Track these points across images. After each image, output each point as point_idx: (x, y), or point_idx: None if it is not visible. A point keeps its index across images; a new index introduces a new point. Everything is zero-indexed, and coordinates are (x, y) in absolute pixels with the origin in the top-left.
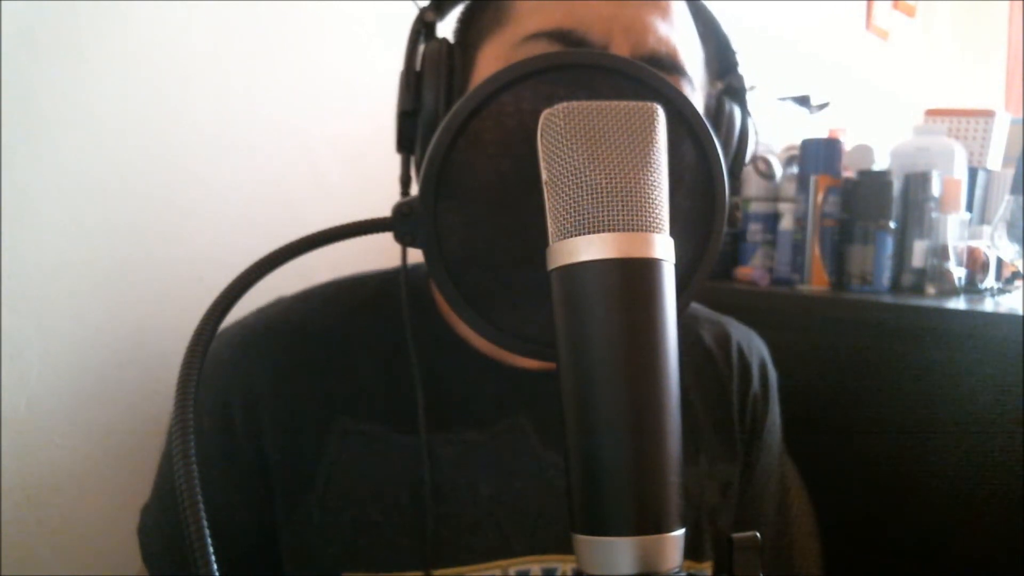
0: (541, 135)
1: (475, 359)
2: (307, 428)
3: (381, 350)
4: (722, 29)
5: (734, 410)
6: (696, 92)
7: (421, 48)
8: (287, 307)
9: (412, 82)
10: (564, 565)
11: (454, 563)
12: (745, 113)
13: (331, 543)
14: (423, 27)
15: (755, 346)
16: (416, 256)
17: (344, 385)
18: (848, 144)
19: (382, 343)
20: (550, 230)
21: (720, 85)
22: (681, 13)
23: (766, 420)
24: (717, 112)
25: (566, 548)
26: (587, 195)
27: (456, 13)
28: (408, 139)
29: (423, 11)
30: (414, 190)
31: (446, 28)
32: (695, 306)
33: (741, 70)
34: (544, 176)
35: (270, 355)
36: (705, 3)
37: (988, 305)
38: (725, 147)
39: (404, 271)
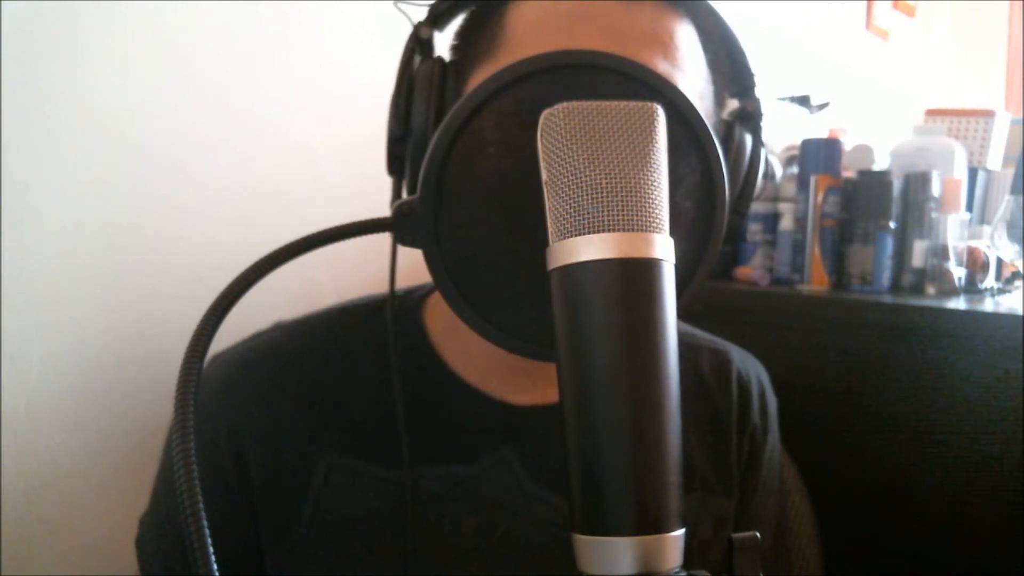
0: (541, 135)
1: (463, 391)
2: (293, 462)
3: (368, 382)
4: (739, 50)
5: (732, 442)
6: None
7: (416, 64)
8: (277, 337)
9: (402, 106)
10: None
11: None
12: (757, 141)
13: (317, 574)
14: (418, 44)
15: (755, 374)
16: (404, 280)
17: (330, 419)
18: (848, 144)
19: (369, 375)
20: (550, 230)
21: (734, 107)
22: (687, 44)
23: (764, 451)
24: (726, 139)
25: None
26: (587, 195)
27: (456, 25)
28: (398, 162)
29: (418, 27)
30: None
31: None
32: (695, 331)
33: (758, 94)
34: (544, 176)
35: (256, 386)
36: (722, 22)
37: (988, 305)
38: (731, 177)
39: (391, 298)
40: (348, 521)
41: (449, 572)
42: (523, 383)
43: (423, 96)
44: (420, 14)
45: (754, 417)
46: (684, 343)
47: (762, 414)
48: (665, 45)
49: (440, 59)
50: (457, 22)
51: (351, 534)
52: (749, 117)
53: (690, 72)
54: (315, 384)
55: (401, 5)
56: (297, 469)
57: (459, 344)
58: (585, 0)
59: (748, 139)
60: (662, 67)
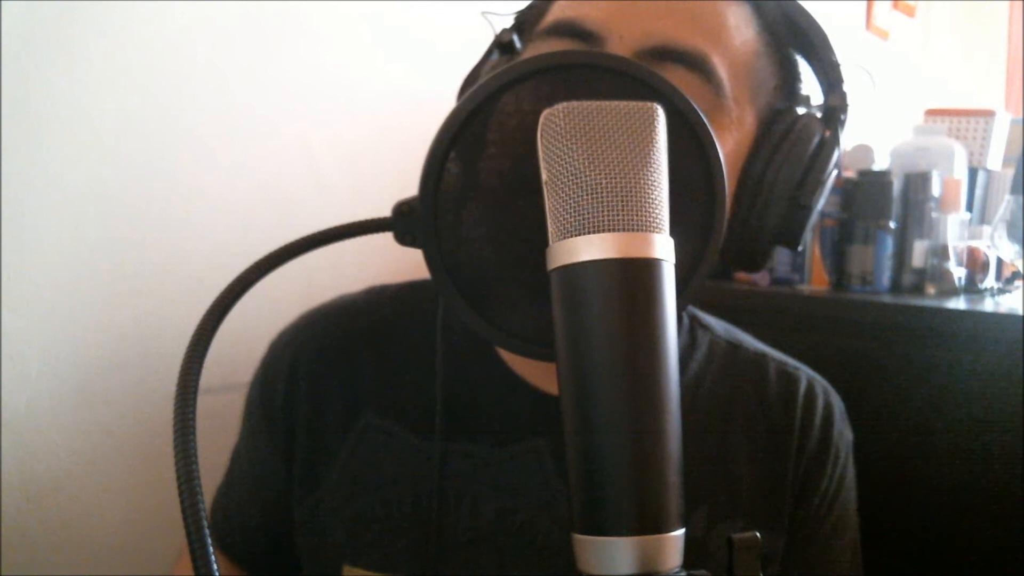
0: (541, 135)
1: (506, 376)
2: (335, 413)
3: (417, 353)
4: (823, 44)
5: (788, 469)
6: (735, 101)
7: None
8: (345, 299)
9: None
10: None
11: (449, 573)
12: (833, 137)
13: (336, 533)
14: (497, 47)
15: (823, 401)
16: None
17: (376, 381)
18: (848, 144)
19: (420, 348)
20: (550, 230)
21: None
22: (731, 15)
23: (820, 483)
24: (788, 130)
25: None
26: (587, 195)
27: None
28: None
29: (501, 33)
30: None
31: None
32: (767, 350)
33: (844, 89)
34: (544, 176)
35: (322, 334)
36: (799, 11)
37: (988, 305)
38: (789, 167)
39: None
40: (371, 482)
41: (461, 551)
42: None
43: None
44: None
45: (811, 444)
46: (751, 362)
47: (822, 443)
48: (695, 15)
49: (508, 57)
50: None
51: (372, 495)
52: (830, 113)
53: (729, 44)
54: (372, 347)
55: (487, 14)
56: (337, 420)
57: None
58: None
59: (818, 133)
60: (684, 23)
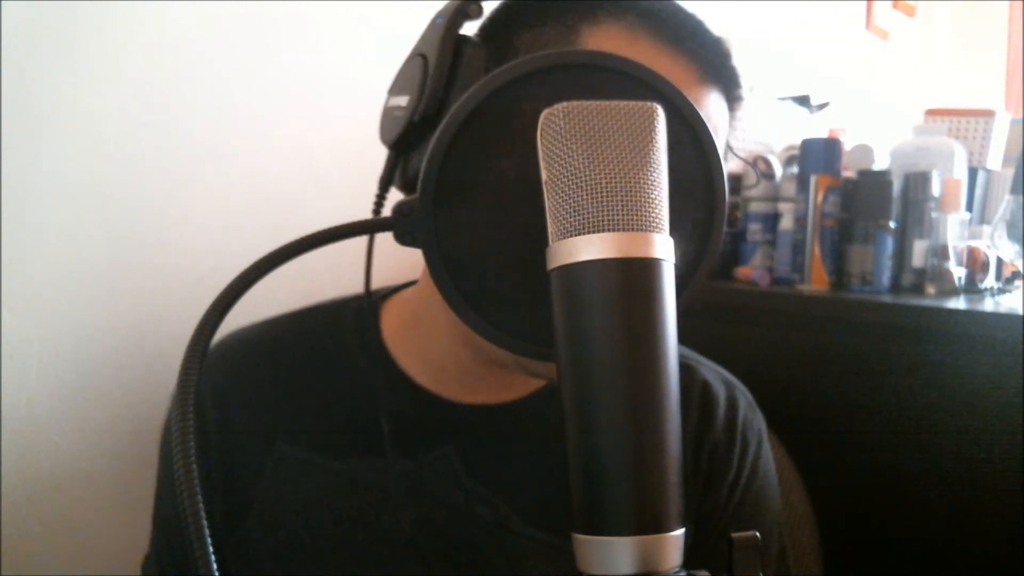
0: (541, 135)
1: (412, 391)
2: (248, 450)
3: (324, 379)
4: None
5: (686, 457)
6: None
7: None
8: (243, 331)
9: None
10: None
11: None
12: None
13: (264, 564)
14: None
15: (725, 389)
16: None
17: (285, 411)
18: (848, 144)
19: (325, 372)
20: (550, 230)
21: None
22: None
23: (728, 471)
24: None
25: None
26: (587, 195)
27: None
28: None
29: None
30: None
31: None
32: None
33: None
34: (544, 176)
35: (217, 379)
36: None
37: (988, 305)
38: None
39: (367, 296)
40: (294, 510)
41: (388, 564)
42: (475, 384)
43: None
44: None
45: (717, 431)
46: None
47: (728, 429)
48: None
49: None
50: None
51: (297, 523)
52: None
53: None
54: (274, 377)
55: None
56: (251, 459)
57: (412, 345)
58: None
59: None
60: None
